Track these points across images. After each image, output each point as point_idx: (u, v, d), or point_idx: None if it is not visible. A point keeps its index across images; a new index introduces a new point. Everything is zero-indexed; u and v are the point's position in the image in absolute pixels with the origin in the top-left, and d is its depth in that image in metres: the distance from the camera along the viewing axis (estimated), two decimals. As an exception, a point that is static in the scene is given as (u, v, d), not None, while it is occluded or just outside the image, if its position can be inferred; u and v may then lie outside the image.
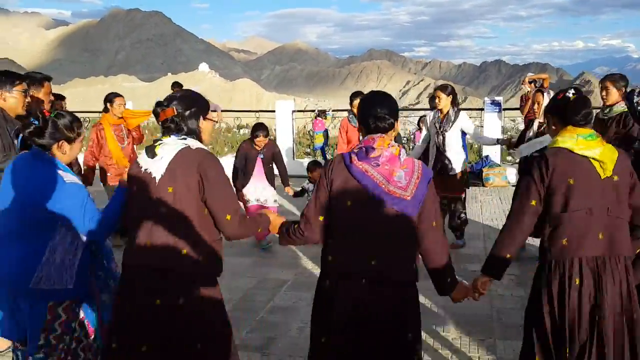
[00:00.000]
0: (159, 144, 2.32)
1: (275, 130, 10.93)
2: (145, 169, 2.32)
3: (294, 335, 3.84)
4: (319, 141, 9.89)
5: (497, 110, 9.76)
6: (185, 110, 2.35)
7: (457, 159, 5.50)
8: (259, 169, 5.68)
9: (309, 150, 12.32)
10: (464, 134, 5.62)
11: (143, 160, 2.35)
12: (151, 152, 2.32)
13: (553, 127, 2.64)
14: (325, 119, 10.19)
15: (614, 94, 4.41)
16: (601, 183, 2.41)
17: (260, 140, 5.56)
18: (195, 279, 2.32)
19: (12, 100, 3.51)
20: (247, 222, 2.43)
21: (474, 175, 8.97)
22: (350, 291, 2.22)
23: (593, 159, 2.42)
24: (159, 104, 2.38)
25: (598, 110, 4.46)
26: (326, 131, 9.99)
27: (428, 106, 7.74)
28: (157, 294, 2.26)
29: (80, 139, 2.60)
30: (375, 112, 2.27)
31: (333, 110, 11.00)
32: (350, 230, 2.26)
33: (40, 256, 2.40)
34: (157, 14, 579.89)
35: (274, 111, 10.97)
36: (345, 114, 7.17)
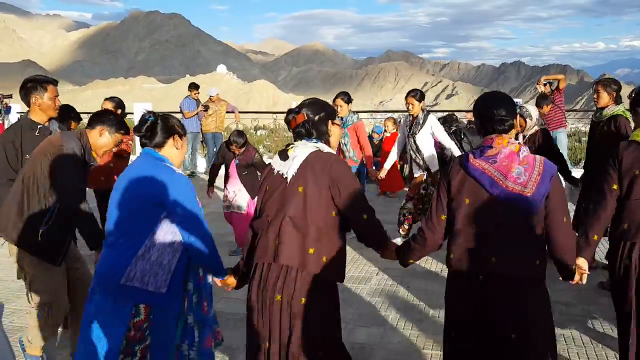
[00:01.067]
0: (291, 147, 2.43)
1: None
2: (278, 171, 2.42)
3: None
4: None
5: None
6: (314, 115, 2.45)
7: (431, 160, 5.65)
8: (232, 172, 5.68)
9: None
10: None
11: (276, 163, 2.46)
12: (284, 155, 2.44)
13: (635, 121, 3.04)
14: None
15: (605, 97, 4.71)
16: None
17: (234, 148, 5.56)
18: (318, 281, 2.32)
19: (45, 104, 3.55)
20: (379, 223, 2.48)
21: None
22: (471, 289, 2.26)
23: None
24: (290, 111, 2.49)
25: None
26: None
27: (446, 108, 7.74)
28: (279, 290, 2.29)
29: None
30: (492, 115, 2.29)
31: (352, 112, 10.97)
32: (469, 228, 2.27)
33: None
34: (176, 16, 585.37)
35: None
36: (364, 115, 7.17)
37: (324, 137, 2.47)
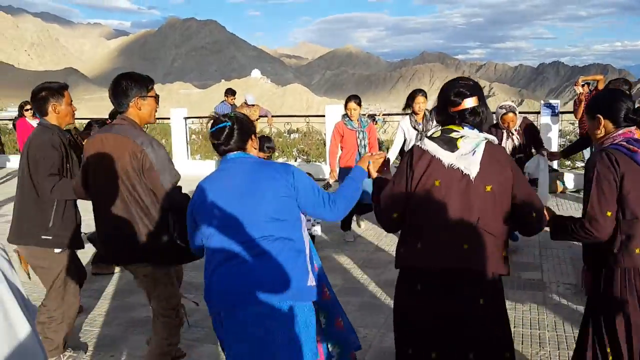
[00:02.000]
0: (459, 136, 2.12)
1: (325, 134, 10.93)
2: (451, 164, 2.09)
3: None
4: None
5: (552, 113, 9.42)
6: (484, 102, 2.19)
7: None
8: None
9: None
10: None
11: (441, 153, 2.11)
12: (451, 145, 2.12)
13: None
14: (376, 124, 10.16)
15: None
16: None
17: (266, 153, 5.65)
18: (490, 279, 2.17)
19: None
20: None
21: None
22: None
23: None
24: (459, 94, 2.16)
25: None
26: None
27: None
28: (455, 295, 2.12)
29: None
30: (625, 107, 2.29)
31: (383, 115, 10.93)
32: None
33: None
34: (211, 22, 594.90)
35: (323, 116, 11.04)
36: (398, 117, 7.14)
37: (482, 126, 2.20)
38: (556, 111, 9.43)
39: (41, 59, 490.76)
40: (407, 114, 6.06)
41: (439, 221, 2.10)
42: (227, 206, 2.25)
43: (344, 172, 6.03)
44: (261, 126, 11.19)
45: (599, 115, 2.31)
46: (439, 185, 2.08)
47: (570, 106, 10.03)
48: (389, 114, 11.54)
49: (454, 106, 2.14)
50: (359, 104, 6.08)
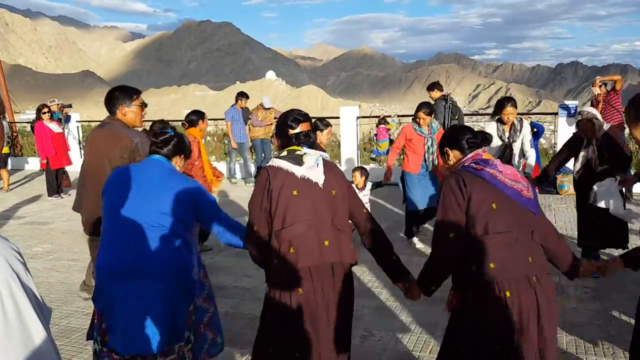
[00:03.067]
0: (303, 154, 2.54)
1: (340, 136, 10.88)
2: (302, 176, 2.49)
3: (357, 344, 3.81)
4: (383, 148, 9.82)
5: (569, 114, 9.28)
6: (314, 128, 2.74)
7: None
8: None
9: (373, 156, 12.27)
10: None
11: (292, 168, 2.49)
12: (298, 160, 2.52)
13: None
14: (388, 125, 10.13)
15: None
16: None
17: None
18: (347, 269, 2.55)
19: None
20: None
21: (548, 182, 8.60)
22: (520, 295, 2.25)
23: None
24: (295, 120, 2.61)
25: None
26: (390, 139, 9.90)
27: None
28: (330, 285, 2.46)
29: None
30: (464, 136, 2.53)
31: (398, 116, 10.87)
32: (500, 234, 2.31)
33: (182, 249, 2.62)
34: (227, 24, 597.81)
35: (338, 117, 11.03)
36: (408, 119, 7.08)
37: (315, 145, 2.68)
38: (572, 112, 9.28)
39: (59, 62, 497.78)
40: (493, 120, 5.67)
41: (303, 226, 2.44)
42: (130, 193, 2.61)
43: (409, 177, 6.03)
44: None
45: (446, 149, 2.57)
46: (297, 194, 2.46)
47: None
48: (404, 115, 11.47)
49: (292, 129, 2.58)
50: (429, 114, 5.97)
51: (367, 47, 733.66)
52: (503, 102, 5.55)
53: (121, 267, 2.50)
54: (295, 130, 2.58)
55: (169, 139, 2.80)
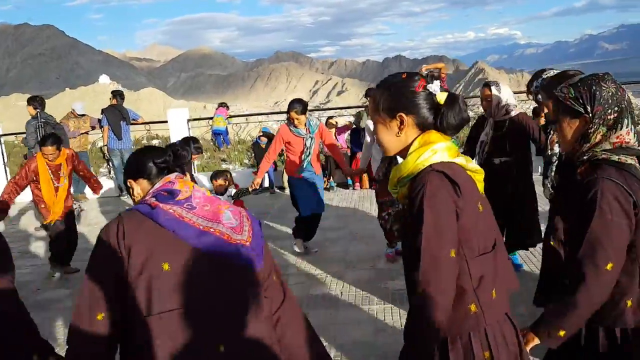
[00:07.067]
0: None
1: (169, 140, 10.11)
2: None
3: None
4: (219, 124, 9.81)
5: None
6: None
7: None
8: None
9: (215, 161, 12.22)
10: None
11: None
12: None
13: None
14: (228, 108, 10.47)
15: None
16: None
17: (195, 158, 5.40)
18: None
19: None
20: None
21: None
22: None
23: None
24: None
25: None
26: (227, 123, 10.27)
27: (338, 105, 7.92)
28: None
29: None
30: (147, 161, 1.79)
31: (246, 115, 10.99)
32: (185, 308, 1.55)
33: None
34: (48, 27, 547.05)
35: (166, 122, 10.15)
36: (262, 118, 7.15)
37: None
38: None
39: None
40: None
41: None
42: None
43: (296, 182, 5.60)
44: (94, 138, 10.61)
45: (130, 181, 1.79)
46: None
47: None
48: (254, 114, 11.66)
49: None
50: (303, 112, 5.42)
51: (206, 47, 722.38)
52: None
53: None
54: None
55: None
